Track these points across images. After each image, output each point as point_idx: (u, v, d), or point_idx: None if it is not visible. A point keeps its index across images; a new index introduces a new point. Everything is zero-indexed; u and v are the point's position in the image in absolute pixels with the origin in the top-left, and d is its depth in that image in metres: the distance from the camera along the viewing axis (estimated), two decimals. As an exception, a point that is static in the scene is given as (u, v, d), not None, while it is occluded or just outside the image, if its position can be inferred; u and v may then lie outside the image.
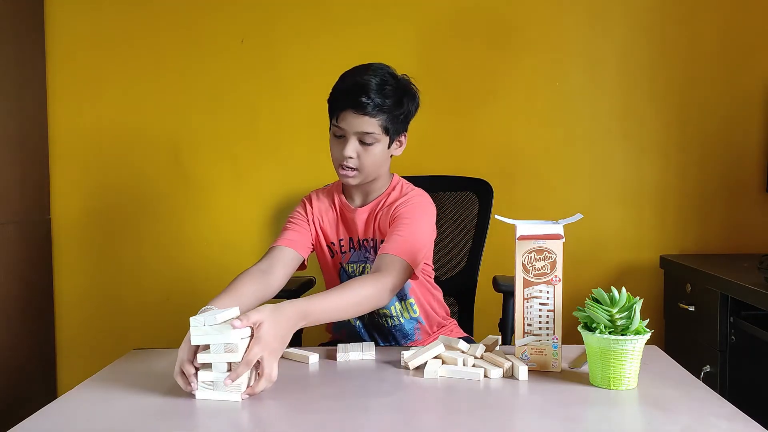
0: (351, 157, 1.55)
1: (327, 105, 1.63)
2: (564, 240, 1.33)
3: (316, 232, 1.69)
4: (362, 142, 1.55)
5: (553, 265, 1.33)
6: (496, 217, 1.47)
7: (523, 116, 2.48)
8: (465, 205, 2.04)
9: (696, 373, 1.73)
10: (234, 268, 2.48)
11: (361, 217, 1.64)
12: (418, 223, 1.58)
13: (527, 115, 2.48)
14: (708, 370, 2.09)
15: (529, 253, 1.33)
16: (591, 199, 2.49)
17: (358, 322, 1.73)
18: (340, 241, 1.68)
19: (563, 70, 2.47)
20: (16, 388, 2.25)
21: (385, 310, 1.67)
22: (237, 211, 2.50)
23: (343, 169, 1.57)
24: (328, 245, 1.69)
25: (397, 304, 1.68)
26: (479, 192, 2.07)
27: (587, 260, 2.46)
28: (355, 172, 1.57)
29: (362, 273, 1.66)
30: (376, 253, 1.61)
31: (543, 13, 2.46)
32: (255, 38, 2.47)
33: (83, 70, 2.48)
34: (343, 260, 1.68)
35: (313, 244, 1.70)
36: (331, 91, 1.61)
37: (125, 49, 2.47)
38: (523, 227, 1.34)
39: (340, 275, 1.71)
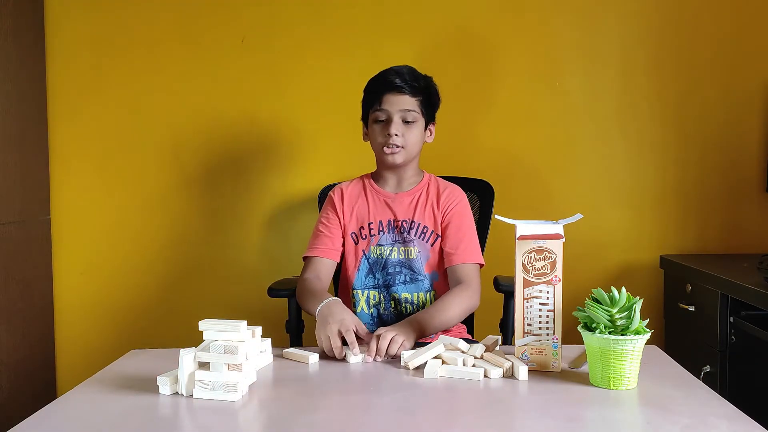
0: (397, 135, 1.72)
1: (361, 108, 1.81)
2: (564, 240, 1.33)
3: (345, 223, 1.80)
4: (404, 121, 1.73)
5: (553, 265, 1.33)
6: (497, 217, 1.47)
7: (524, 117, 2.48)
8: (465, 205, 2.04)
9: (696, 373, 1.74)
10: (234, 268, 2.50)
11: (403, 200, 1.80)
12: (470, 222, 1.81)
13: (527, 116, 2.48)
14: (708, 370, 2.09)
15: (529, 253, 1.34)
16: (591, 199, 2.49)
17: (372, 310, 1.79)
18: (369, 224, 1.79)
19: (563, 72, 2.47)
20: (16, 388, 2.25)
21: (407, 294, 1.77)
22: (237, 211, 2.50)
23: (389, 147, 1.73)
24: (354, 232, 1.80)
25: (421, 294, 1.77)
26: (480, 192, 2.07)
27: (587, 260, 2.46)
28: (399, 149, 1.73)
29: (390, 255, 1.77)
30: (412, 233, 1.78)
31: (542, 15, 2.45)
32: (255, 38, 2.46)
33: (83, 70, 2.47)
34: (372, 243, 1.78)
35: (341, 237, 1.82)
36: (365, 89, 1.81)
37: (125, 49, 2.47)
38: (523, 227, 1.35)
39: (361, 262, 1.78)
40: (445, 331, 1.78)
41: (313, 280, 1.73)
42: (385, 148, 1.74)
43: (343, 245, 1.81)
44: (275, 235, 2.50)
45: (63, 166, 2.49)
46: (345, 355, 1.43)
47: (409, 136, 1.74)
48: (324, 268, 1.78)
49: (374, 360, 1.42)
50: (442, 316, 1.63)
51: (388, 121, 1.73)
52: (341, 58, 2.46)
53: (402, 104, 1.72)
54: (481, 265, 1.80)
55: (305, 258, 1.81)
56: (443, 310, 1.64)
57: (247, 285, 2.48)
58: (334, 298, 1.58)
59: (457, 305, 1.66)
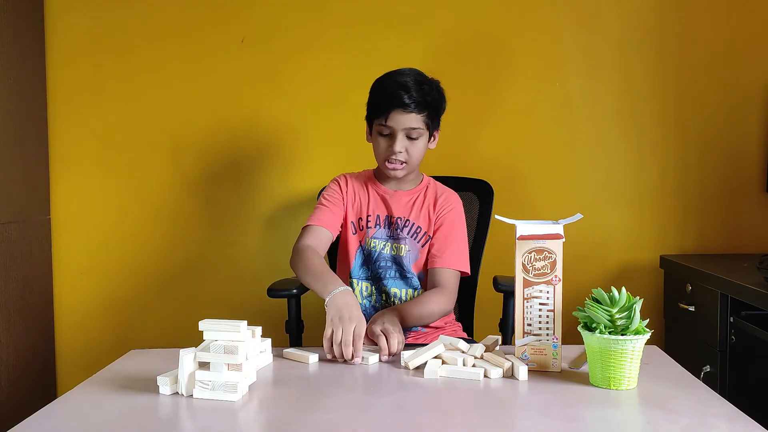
0: (401, 152, 1.72)
1: (366, 109, 1.80)
2: (564, 240, 1.33)
3: (346, 208, 1.82)
4: (409, 137, 1.72)
5: (553, 265, 1.33)
6: (497, 217, 1.47)
7: (524, 117, 2.48)
8: (466, 205, 2.04)
9: (696, 373, 1.74)
10: (234, 268, 2.50)
11: (401, 198, 1.82)
12: (462, 229, 1.82)
13: (527, 116, 2.48)
14: (708, 370, 2.09)
15: (529, 253, 1.34)
16: (591, 199, 2.49)
17: (365, 301, 1.81)
18: (368, 216, 1.81)
19: (563, 72, 2.47)
20: (16, 388, 2.25)
21: (395, 290, 1.78)
22: (237, 210, 2.50)
23: (391, 162, 1.74)
24: (353, 221, 1.81)
25: (409, 291, 1.79)
26: (480, 192, 2.07)
27: (587, 260, 2.46)
28: (403, 165, 1.74)
29: (383, 249, 1.79)
30: (405, 231, 1.79)
31: (543, 15, 2.45)
32: (255, 38, 2.46)
33: (83, 70, 2.47)
34: (368, 235, 1.80)
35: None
36: (370, 95, 1.79)
37: (125, 49, 2.47)
38: (523, 227, 1.34)
39: (357, 252, 1.80)
40: (444, 331, 1.79)
41: (314, 250, 1.69)
42: (387, 163, 1.74)
43: (345, 230, 1.82)
44: (275, 235, 2.50)
45: (63, 166, 2.49)
46: (363, 358, 1.41)
47: (412, 150, 1.73)
48: (322, 237, 1.75)
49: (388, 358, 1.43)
50: (421, 311, 1.66)
51: (392, 137, 1.72)
52: (341, 58, 2.46)
53: (407, 122, 1.70)
54: (465, 274, 1.79)
55: (304, 227, 1.78)
56: (422, 305, 1.67)
57: (247, 285, 2.48)
58: (346, 287, 1.52)
59: (435, 305, 1.69)
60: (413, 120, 1.70)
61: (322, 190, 2.12)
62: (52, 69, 2.46)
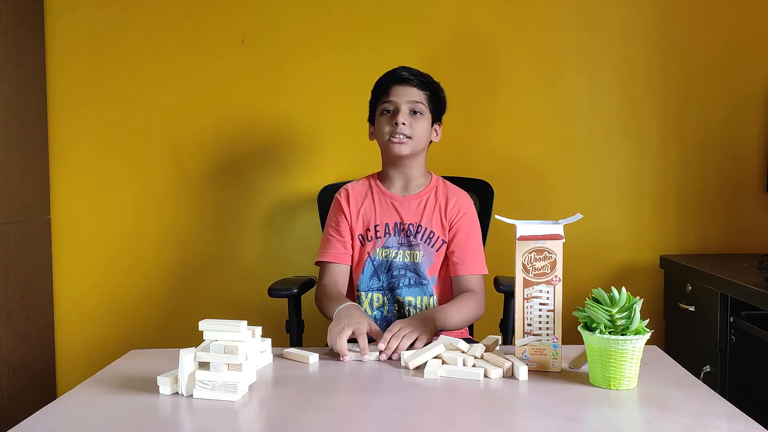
0: (404, 124, 1.72)
1: (369, 108, 1.84)
2: (564, 240, 1.33)
3: (352, 224, 1.80)
4: (412, 112, 1.74)
5: (553, 265, 1.33)
6: (497, 217, 1.47)
7: (523, 117, 2.48)
8: (465, 205, 2.04)
9: (696, 373, 1.74)
10: (234, 267, 2.50)
11: (410, 203, 1.80)
12: (476, 232, 1.82)
13: (527, 116, 2.48)
14: (708, 370, 2.09)
15: (529, 253, 1.34)
16: (591, 199, 2.49)
17: (376, 312, 1.79)
18: (375, 226, 1.78)
19: (562, 71, 2.47)
20: (16, 388, 2.25)
21: (410, 298, 1.77)
22: (237, 210, 2.50)
23: (396, 137, 1.73)
24: (361, 234, 1.79)
25: (425, 298, 1.77)
26: (480, 192, 2.07)
27: (587, 260, 2.46)
28: (407, 140, 1.73)
29: (395, 258, 1.76)
30: (419, 237, 1.77)
31: (543, 15, 2.45)
32: (255, 38, 2.46)
33: (83, 70, 2.47)
34: (377, 245, 1.77)
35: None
36: (373, 88, 1.83)
37: (125, 48, 2.47)
38: (523, 227, 1.35)
39: (366, 264, 1.78)
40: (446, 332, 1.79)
41: (331, 286, 1.74)
42: (392, 138, 1.73)
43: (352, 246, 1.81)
44: (275, 235, 2.50)
45: (63, 166, 2.49)
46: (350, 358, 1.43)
47: (416, 127, 1.74)
48: (340, 273, 1.78)
49: (389, 358, 1.43)
50: (458, 317, 1.67)
51: (395, 112, 1.74)
52: (342, 58, 2.46)
53: (409, 95, 1.74)
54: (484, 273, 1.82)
55: (319, 263, 1.81)
56: (460, 310, 1.68)
57: (247, 285, 2.48)
58: (352, 302, 1.60)
59: (470, 309, 1.71)
60: (415, 94, 1.74)
61: (322, 191, 2.13)
62: (52, 69, 2.46)
